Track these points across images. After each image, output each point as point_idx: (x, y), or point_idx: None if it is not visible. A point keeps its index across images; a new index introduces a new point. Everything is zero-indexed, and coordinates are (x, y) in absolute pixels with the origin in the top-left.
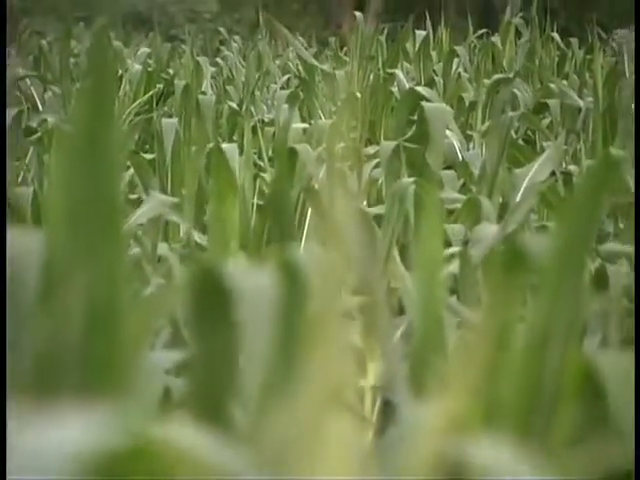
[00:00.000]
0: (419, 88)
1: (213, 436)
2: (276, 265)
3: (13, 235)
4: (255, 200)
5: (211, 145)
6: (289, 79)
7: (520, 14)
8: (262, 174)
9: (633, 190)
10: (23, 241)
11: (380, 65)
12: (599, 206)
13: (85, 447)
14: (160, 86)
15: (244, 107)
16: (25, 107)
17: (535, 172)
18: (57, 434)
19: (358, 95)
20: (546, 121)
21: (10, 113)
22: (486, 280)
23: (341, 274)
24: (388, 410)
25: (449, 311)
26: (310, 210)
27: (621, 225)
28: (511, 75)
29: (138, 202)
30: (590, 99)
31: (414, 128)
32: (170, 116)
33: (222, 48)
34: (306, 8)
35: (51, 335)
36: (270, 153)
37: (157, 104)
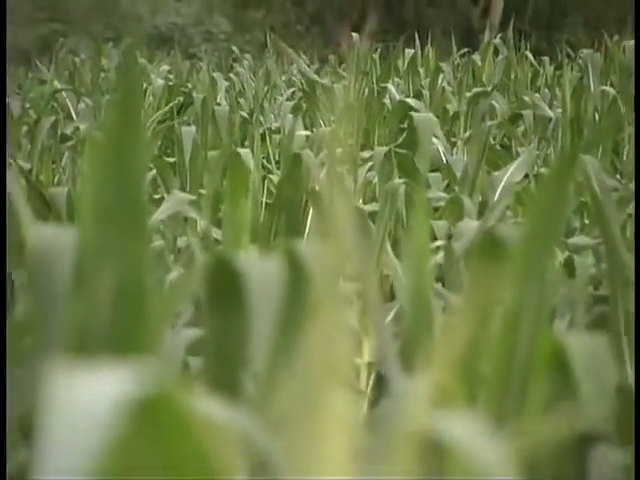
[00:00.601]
0: (408, 100)
1: (226, 402)
2: (282, 256)
3: (49, 231)
4: (264, 199)
5: (227, 150)
6: (293, 92)
7: (498, 35)
8: (270, 176)
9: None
10: (59, 235)
11: (374, 80)
12: (564, 204)
13: (121, 396)
14: (180, 98)
15: (254, 116)
16: (61, 116)
17: (511, 174)
18: (97, 388)
19: (355, 106)
20: (520, 129)
21: (47, 122)
22: (467, 269)
23: (339, 264)
24: (381, 384)
25: (435, 296)
26: (312, 208)
27: (586, 221)
28: (489, 89)
29: (160, 200)
30: (559, 110)
31: (404, 135)
32: (189, 124)
33: (235, 65)
34: (308, 30)
35: (86, 316)
36: (277, 157)
37: (177, 114)
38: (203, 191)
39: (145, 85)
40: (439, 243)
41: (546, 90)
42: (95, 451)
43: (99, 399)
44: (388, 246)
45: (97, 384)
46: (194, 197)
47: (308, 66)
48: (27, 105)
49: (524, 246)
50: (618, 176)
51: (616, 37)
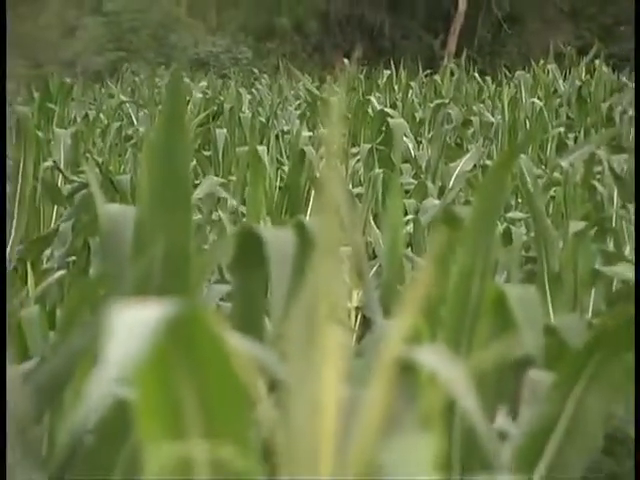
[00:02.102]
0: (386, 109)
1: (249, 338)
2: (292, 227)
3: (115, 207)
4: (277, 184)
5: (250, 147)
6: (300, 103)
7: (453, 61)
8: (282, 167)
9: (528, 177)
10: (123, 212)
11: (360, 94)
12: (504, 187)
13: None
14: (214, 108)
15: (270, 122)
16: (125, 122)
17: (463, 165)
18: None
19: (346, 114)
20: (470, 131)
21: (115, 126)
22: (431, 237)
23: (335, 233)
24: (366, 323)
25: (406, 258)
26: (314, 190)
27: (519, 200)
28: (447, 101)
29: (199, 185)
30: (499, 117)
31: (382, 136)
32: (220, 127)
33: (255, 83)
34: (311, 56)
35: (143, 273)
36: (287, 153)
37: (212, 119)
38: (232, 177)
39: (188, 98)
40: (409, 217)
41: (489, 102)
42: (140, 353)
43: (145, 318)
44: (371, 219)
45: (145, 309)
46: (225, 181)
47: (310, 83)
48: (100, 113)
49: (474, 219)
50: (543, 167)
51: (541, 62)
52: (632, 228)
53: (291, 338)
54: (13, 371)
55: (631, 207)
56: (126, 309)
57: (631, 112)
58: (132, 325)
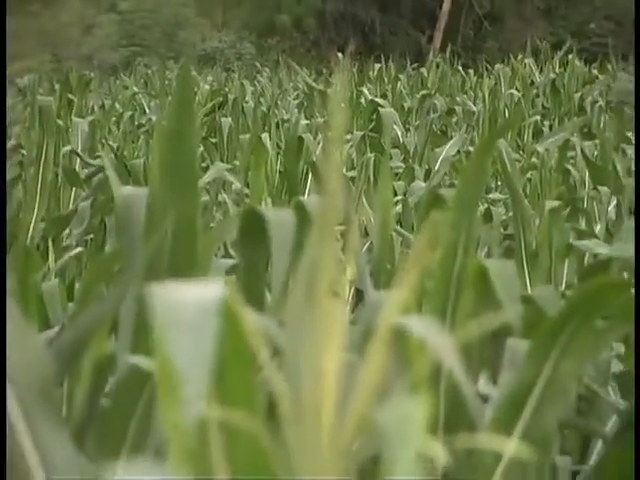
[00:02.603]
0: (377, 99)
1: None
2: (291, 207)
3: (129, 189)
4: (278, 168)
5: (253, 135)
6: (298, 94)
7: (438, 55)
8: (282, 152)
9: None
10: (136, 193)
11: (353, 85)
12: (485, 170)
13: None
14: (220, 98)
15: (271, 111)
16: (138, 111)
17: (447, 150)
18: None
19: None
20: (454, 119)
21: (128, 114)
22: (417, 216)
23: (331, 213)
24: (358, 295)
25: (396, 234)
26: (312, 174)
27: (499, 182)
28: (432, 92)
29: (206, 169)
30: (480, 106)
31: (373, 124)
32: (226, 116)
33: (257, 75)
34: (309, 51)
35: (155, 249)
36: (287, 139)
37: (218, 109)
38: (236, 162)
39: (196, 89)
40: (398, 198)
41: (471, 92)
42: (208, 334)
43: (204, 301)
44: (364, 200)
45: (196, 292)
46: (230, 166)
47: (308, 76)
48: (115, 103)
49: (457, 200)
50: (521, 152)
51: (519, 56)
52: (602, 208)
53: (291, 308)
54: (36, 338)
55: (601, 189)
56: (175, 292)
57: (601, 102)
58: (195, 313)
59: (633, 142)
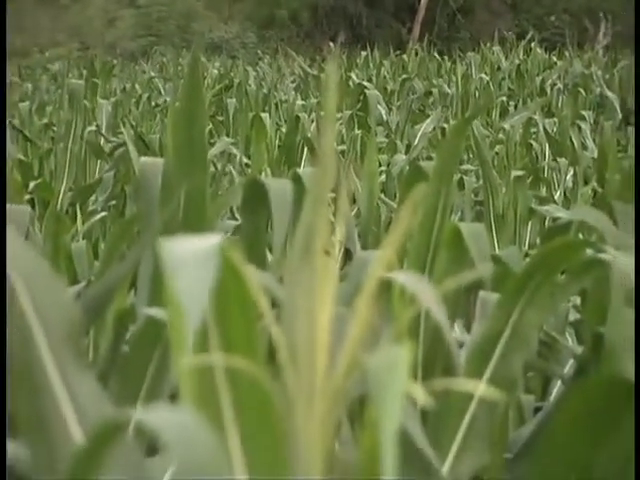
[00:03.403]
0: (364, 83)
1: (255, 266)
2: (289, 176)
3: (146, 160)
4: (277, 142)
5: (255, 114)
6: (294, 78)
7: (417, 44)
8: (281, 129)
9: (478, 136)
10: (153, 164)
11: (343, 71)
12: (460, 147)
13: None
14: (226, 82)
15: (271, 93)
16: (154, 93)
17: (425, 127)
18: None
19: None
20: (431, 100)
21: (146, 95)
22: (399, 185)
23: (324, 182)
24: (347, 254)
25: (380, 202)
26: (306, 148)
27: (470, 155)
28: (412, 76)
29: (214, 143)
30: (454, 89)
31: (360, 104)
32: (231, 98)
33: (259, 62)
34: (304, 41)
35: (169, 213)
36: (284, 117)
37: (224, 91)
38: (240, 138)
39: (204, 74)
40: (382, 169)
41: (446, 76)
42: (208, 279)
43: (205, 249)
44: (352, 171)
45: (197, 242)
46: (234, 141)
47: (303, 63)
48: (135, 86)
49: (436, 171)
50: (489, 128)
51: (488, 45)
52: (560, 177)
53: (289, 265)
54: (66, 291)
55: (560, 160)
56: (181, 244)
57: (559, 84)
58: (196, 257)
59: (587, 119)
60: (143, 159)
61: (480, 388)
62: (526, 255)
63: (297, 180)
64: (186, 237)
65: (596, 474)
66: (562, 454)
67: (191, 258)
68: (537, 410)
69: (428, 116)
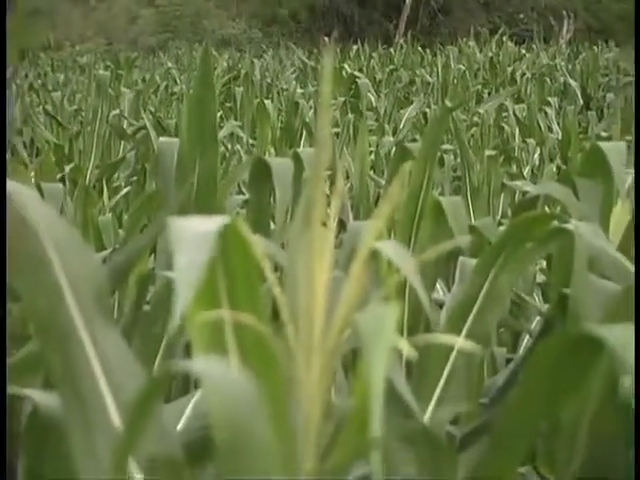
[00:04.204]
0: (355, 73)
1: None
2: (291, 156)
3: (164, 141)
4: (279, 125)
5: (259, 101)
6: (294, 69)
7: (402, 39)
8: (282, 114)
9: (457, 121)
10: (170, 143)
11: (337, 62)
12: (442, 131)
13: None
14: (234, 72)
15: (273, 82)
16: (171, 82)
17: (409, 112)
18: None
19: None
20: (414, 88)
21: (163, 85)
22: (387, 163)
23: (321, 160)
24: (341, 225)
25: (370, 179)
26: (305, 131)
27: (450, 136)
28: (398, 67)
29: (223, 126)
30: (435, 78)
31: (352, 91)
32: (239, 87)
33: (263, 55)
34: (302, 36)
35: (184, 190)
36: (285, 104)
37: (232, 81)
38: (246, 121)
39: (215, 66)
40: (372, 149)
41: (428, 67)
42: (205, 254)
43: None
44: (345, 151)
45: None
46: (241, 124)
47: (303, 55)
48: (156, 75)
49: (420, 153)
50: (466, 113)
51: (465, 40)
52: (528, 156)
53: (291, 234)
54: (94, 256)
55: (528, 141)
56: (186, 224)
57: (527, 74)
58: (197, 236)
59: (552, 105)
60: (161, 139)
61: (459, 342)
62: (499, 224)
63: (297, 159)
64: (194, 216)
65: (562, 421)
66: (531, 402)
67: (192, 237)
68: (508, 361)
69: (412, 102)
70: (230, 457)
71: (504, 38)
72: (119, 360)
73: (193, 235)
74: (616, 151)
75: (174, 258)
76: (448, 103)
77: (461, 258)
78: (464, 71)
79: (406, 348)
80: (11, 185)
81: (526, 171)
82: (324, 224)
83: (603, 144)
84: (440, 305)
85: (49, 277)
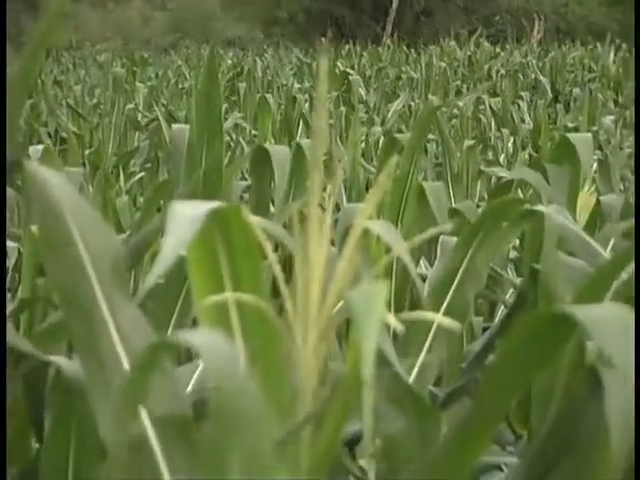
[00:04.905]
0: (348, 70)
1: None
2: (290, 145)
3: (176, 128)
4: (278, 118)
5: (260, 94)
6: (292, 67)
7: (389, 39)
8: (281, 107)
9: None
10: (181, 130)
11: (331, 60)
12: (428, 126)
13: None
14: (238, 69)
15: (273, 78)
16: (181, 77)
17: (396, 105)
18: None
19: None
20: (400, 83)
21: (174, 80)
22: (377, 151)
23: (319, 149)
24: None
25: (361, 165)
26: (301, 122)
27: (432, 127)
28: (386, 64)
29: (227, 118)
30: (419, 74)
31: (345, 86)
32: (242, 82)
33: (264, 53)
34: (300, 37)
35: (192, 174)
36: (284, 97)
37: (236, 77)
38: (248, 114)
39: (220, 63)
40: (362, 138)
41: (413, 65)
42: (190, 236)
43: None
44: (338, 139)
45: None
46: (244, 116)
47: (300, 54)
48: (168, 71)
49: (410, 143)
50: (447, 106)
51: (446, 40)
52: (503, 144)
53: (292, 215)
54: (114, 235)
55: (503, 131)
56: (180, 207)
57: (502, 71)
58: (186, 218)
59: (524, 98)
60: (174, 126)
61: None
62: (477, 206)
63: (296, 148)
64: (199, 201)
65: (533, 391)
66: (509, 372)
67: (183, 219)
68: (485, 329)
69: (398, 96)
70: (221, 423)
71: (481, 39)
72: (135, 329)
73: (184, 218)
74: (584, 141)
75: (164, 237)
76: (432, 97)
77: (442, 237)
78: (445, 68)
79: (393, 322)
80: (41, 170)
81: (501, 158)
82: (320, 205)
83: (572, 135)
84: (424, 279)
85: (73, 254)
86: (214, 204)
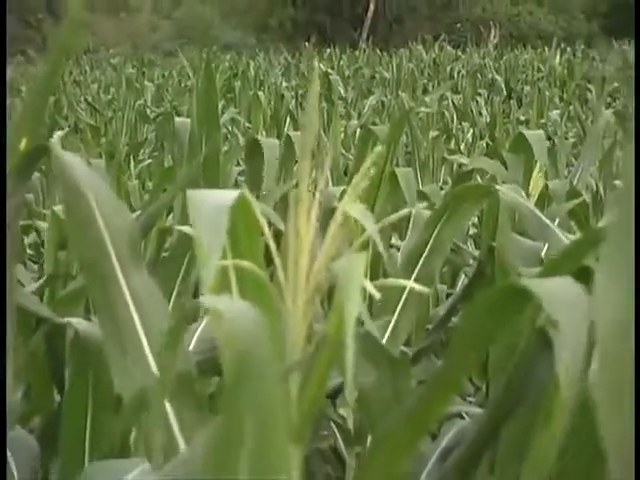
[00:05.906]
0: (329, 70)
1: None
2: (279, 137)
3: (180, 121)
4: (269, 112)
5: (254, 92)
6: (281, 67)
7: (365, 43)
8: (271, 103)
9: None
10: (184, 123)
11: (315, 62)
12: (403, 125)
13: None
14: (234, 71)
15: (264, 78)
16: (185, 78)
17: (371, 101)
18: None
19: (310, 74)
20: (374, 82)
21: (178, 79)
22: (355, 141)
23: (308, 140)
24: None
25: (340, 154)
26: (288, 117)
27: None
28: (362, 65)
29: (224, 113)
30: (390, 74)
31: (326, 85)
32: (237, 81)
33: (257, 56)
34: (287, 42)
35: (193, 162)
36: (274, 95)
37: (232, 77)
38: (242, 109)
39: (220, 65)
40: (342, 130)
41: (385, 65)
42: (224, 226)
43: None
44: (322, 132)
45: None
46: (238, 111)
47: (287, 56)
48: (172, 72)
49: (388, 137)
50: (415, 101)
51: (414, 44)
52: (464, 135)
53: (284, 196)
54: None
55: (464, 123)
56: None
57: (463, 71)
58: (212, 207)
59: (482, 95)
60: (177, 119)
61: (411, 284)
62: (441, 189)
63: (285, 139)
64: (203, 188)
65: (491, 348)
66: (470, 337)
67: (209, 208)
68: (448, 295)
69: (373, 93)
70: (236, 371)
71: (444, 43)
72: (147, 295)
73: (210, 207)
74: (537, 136)
75: (194, 227)
76: (402, 94)
77: (415, 211)
78: (413, 69)
79: (371, 289)
80: (66, 155)
81: (462, 147)
82: (309, 191)
83: (527, 132)
84: (396, 249)
85: (94, 230)
86: (234, 193)
